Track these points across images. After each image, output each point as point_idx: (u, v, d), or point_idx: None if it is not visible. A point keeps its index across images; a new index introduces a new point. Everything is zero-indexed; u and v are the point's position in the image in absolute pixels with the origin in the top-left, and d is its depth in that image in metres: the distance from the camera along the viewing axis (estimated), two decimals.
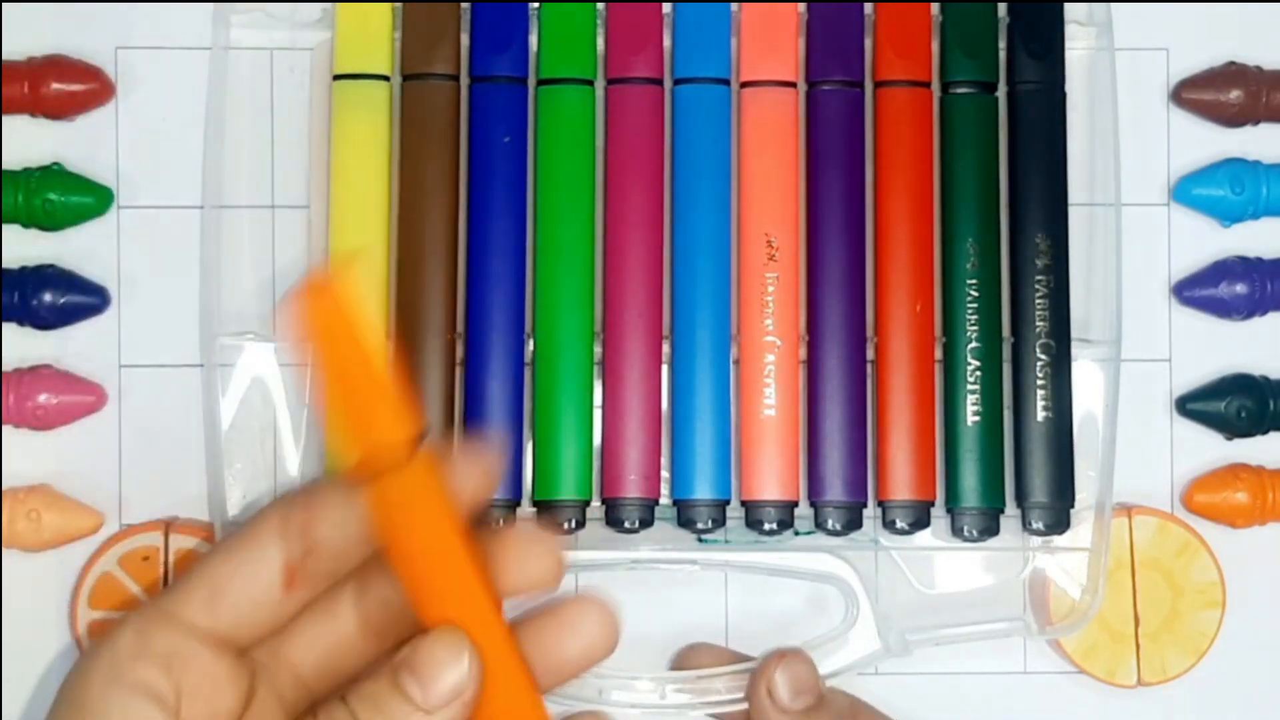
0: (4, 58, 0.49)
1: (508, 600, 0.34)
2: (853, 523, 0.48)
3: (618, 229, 0.48)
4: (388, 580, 0.35)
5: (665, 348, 0.48)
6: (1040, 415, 0.48)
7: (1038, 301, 0.48)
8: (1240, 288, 0.50)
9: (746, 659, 0.48)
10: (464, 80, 0.49)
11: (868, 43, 0.49)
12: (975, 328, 0.48)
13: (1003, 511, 0.48)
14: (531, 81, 0.49)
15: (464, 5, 0.49)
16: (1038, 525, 0.48)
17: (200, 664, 0.34)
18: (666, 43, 0.49)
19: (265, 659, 0.35)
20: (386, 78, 0.48)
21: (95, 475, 0.49)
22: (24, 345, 0.49)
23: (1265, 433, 0.50)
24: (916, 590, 0.49)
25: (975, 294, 0.48)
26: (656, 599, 0.49)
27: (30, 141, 0.50)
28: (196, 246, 0.49)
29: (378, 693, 0.34)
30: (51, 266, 0.49)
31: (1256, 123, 0.50)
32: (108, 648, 0.34)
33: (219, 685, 0.34)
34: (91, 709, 0.34)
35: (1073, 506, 0.48)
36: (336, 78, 0.48)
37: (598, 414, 0.48)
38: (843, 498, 0.48)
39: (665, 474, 0.48)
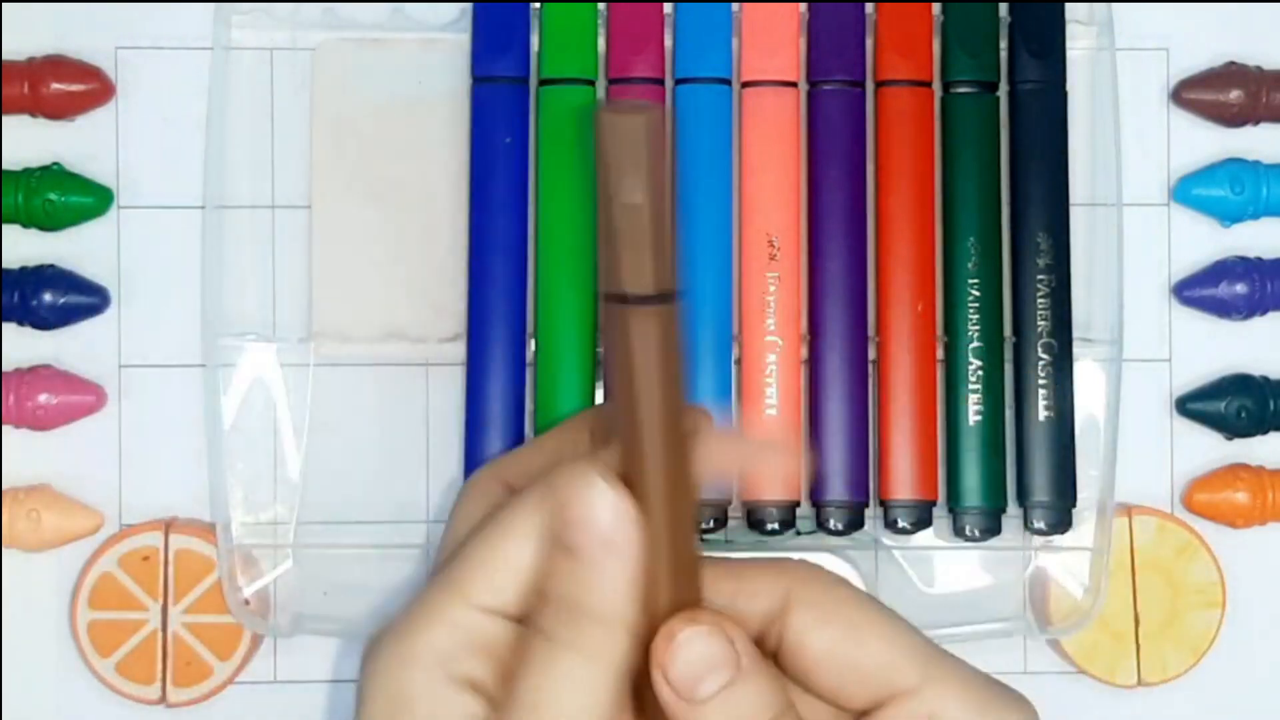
0: (4, 58, 0.49)
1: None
2: (854, 522, 0.48)
3: None
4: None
5: None
6: (1042, 414, 0.48)
7: (1039, 301, 0.48)
8: (1240, 288, 0.50)
9: None
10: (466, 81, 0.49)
11: (869, 42, 0.49)
12: (977, 327, 0.48)
13: (1004, 511, 0.48)
14: (533, 82, 0.49)
15: (465, 5, 0.49)
16: (1039, 525, 0.48)
17: (507, 645, 0.34)
18: (667, 42, 0.49)
19: None
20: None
21: (95, 475, 0.49)
22: (24, 345, 0.49)
23: (1265, 433, 0.50)
24: (918, 589, 0.49)
25: (977, 293, 0.48)
26: None
27: (30, 141, 0.50)
28: (197, 246, 0.49)
29: (545, 588, 0.33)
30: (51, 266, 0.49)
31: (1256, 123, 0.50)
32: (424, 641, 0.34)
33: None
34: (418, 706, 0.33)
35: (1074, 506, 0.48)
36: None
37: None
38: (844, 497, 0.48)
39: None
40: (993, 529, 0.48)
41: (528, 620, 0.34)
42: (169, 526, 0.48)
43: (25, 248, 0.50)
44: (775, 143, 0.48)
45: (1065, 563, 0.49)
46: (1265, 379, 0.50)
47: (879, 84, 0.49)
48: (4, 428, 0.49)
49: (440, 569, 0.36)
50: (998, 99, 0.49)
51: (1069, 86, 0.49)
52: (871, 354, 0.48)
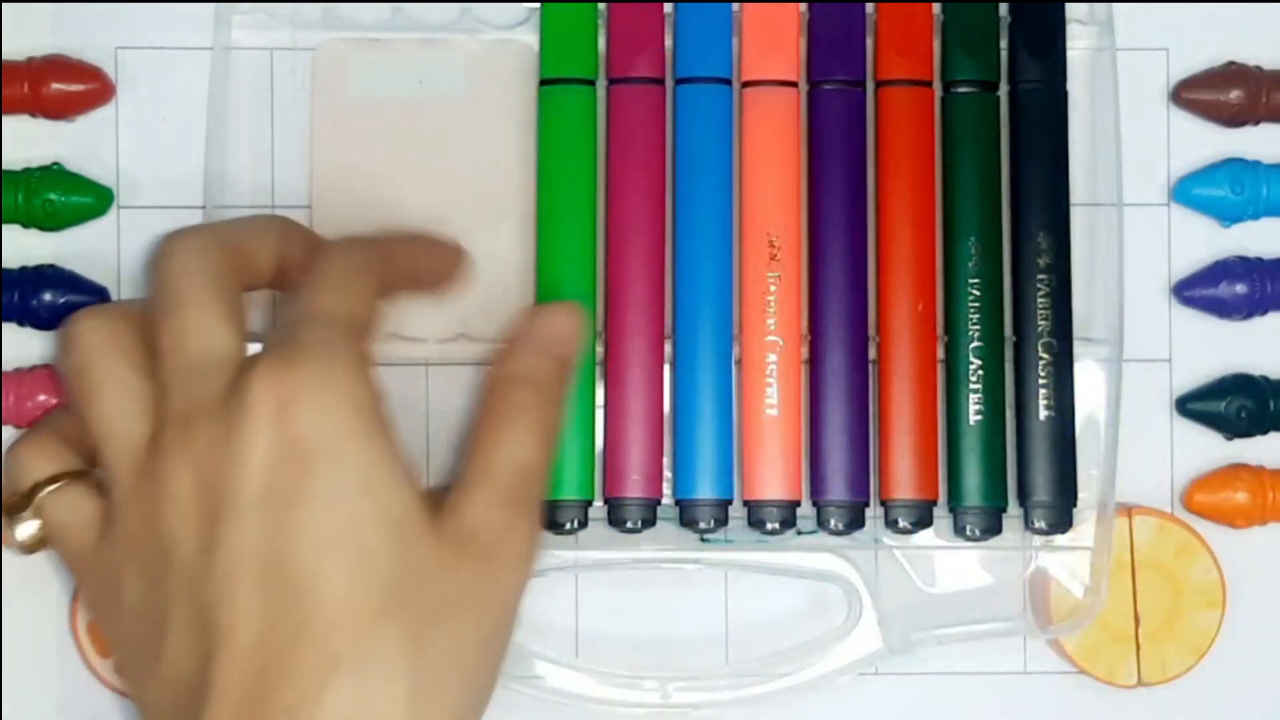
0: (4, 58, 0.49)
1: None
2: (855, 522, 0.48)
3: (619, 229, 0.48)
4: None
5: (667, 347, 0.48)
6: (1042, 414, 0.48)
7: (1040, 301, 0.48)
8: (1240, 288, 0.50)
9: None
10: None
11: (869, 42, 0.49)
12: (977, 327, 0.48)
13: (1005, 510, 0.48)
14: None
15: (465, 5, 0.49)
16: (1040, 524, 0.48)
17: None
18: (668, 42, 0.49)
19: None
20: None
21: None
22: (24, 345, 0.49)
23: (1265, 433, 0.50)
24: (919, 589, 0.49)
25: (977, 293, 0.48)
26: (658, 599, 0.49)
27: (30, 141, 0.50)
28: None
29: None
30: (51, 266, 0.49)
31: (1256, 123, 0.50)
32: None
33: None
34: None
35: (1075, 505, 0.48)
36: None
37: (599, 414, 0.48)
38: (845, 497, 0.48)
39: (667, 474, 0.48)
40: (993, 529, 0.48)
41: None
42: None
43: (25, 248, 0.49)
44: (775, 143, 0.48)
45: (1065, 562, 0.49)
46: (1265, 379, 0.50)
47: (879, 84, 0.49)
48: (4, 428, 0.49)
49: None
50: (998, 99, 0.49)
51: (1069, 86, 0.49)
52: (872, 354, 0.48)
